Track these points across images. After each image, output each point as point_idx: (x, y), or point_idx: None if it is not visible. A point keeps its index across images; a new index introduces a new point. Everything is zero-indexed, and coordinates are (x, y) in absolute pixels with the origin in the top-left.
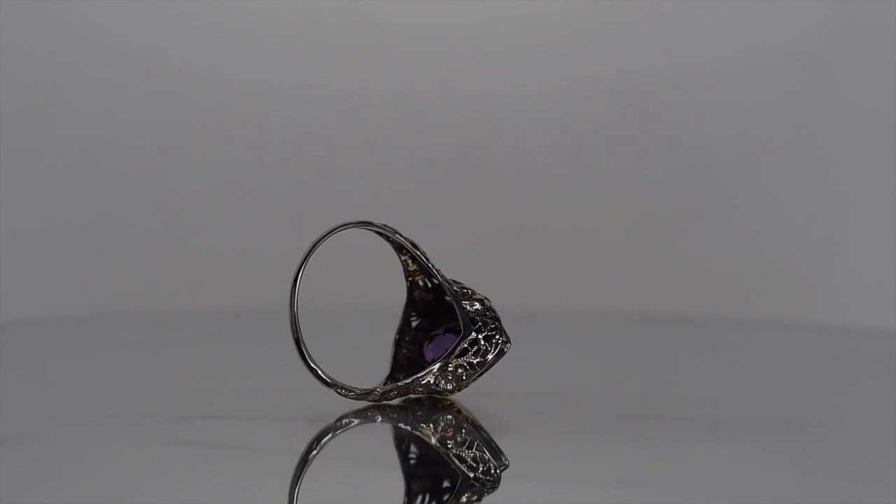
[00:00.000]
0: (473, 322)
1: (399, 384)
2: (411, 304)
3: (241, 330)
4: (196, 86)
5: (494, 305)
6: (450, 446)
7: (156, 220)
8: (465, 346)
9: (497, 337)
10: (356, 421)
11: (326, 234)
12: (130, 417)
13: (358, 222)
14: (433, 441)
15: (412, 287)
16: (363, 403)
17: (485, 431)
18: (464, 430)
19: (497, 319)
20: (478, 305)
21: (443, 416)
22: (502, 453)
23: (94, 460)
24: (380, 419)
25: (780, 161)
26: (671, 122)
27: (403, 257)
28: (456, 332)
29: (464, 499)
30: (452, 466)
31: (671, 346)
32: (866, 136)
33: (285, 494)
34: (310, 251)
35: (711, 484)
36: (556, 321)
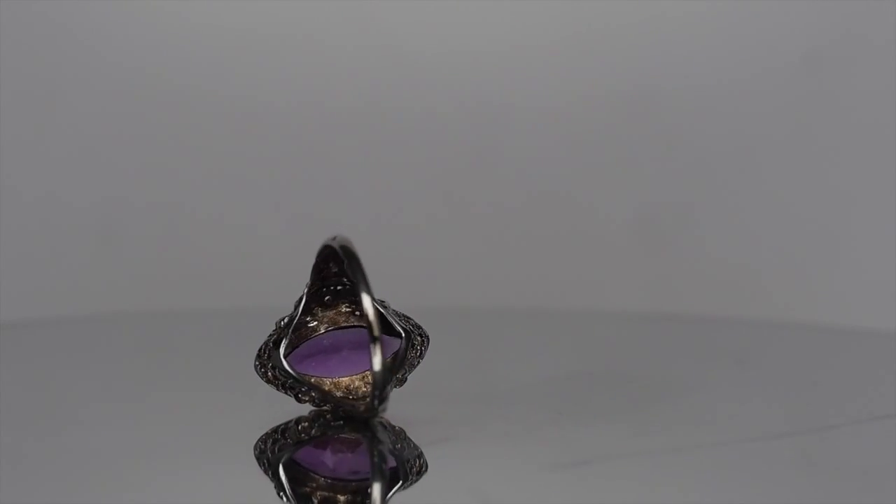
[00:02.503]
0: (404, 329)
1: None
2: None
3: (240, 330)
4: (200, 87)
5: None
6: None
7: (156, 220)
8: (409, 351)
9: (423, 337)
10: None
11: (351, 257)
12: (130, 419)
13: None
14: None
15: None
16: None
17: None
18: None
19: (409, 317)
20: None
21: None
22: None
23: (92, 461)
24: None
25: (779, 160)
26: (670, 121)
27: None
28: (327, 346)
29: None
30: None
31: (670, 345)
32: (866, 135)
33: None
34: (359, 281)
35: (709, 484)
36: (556, 321)
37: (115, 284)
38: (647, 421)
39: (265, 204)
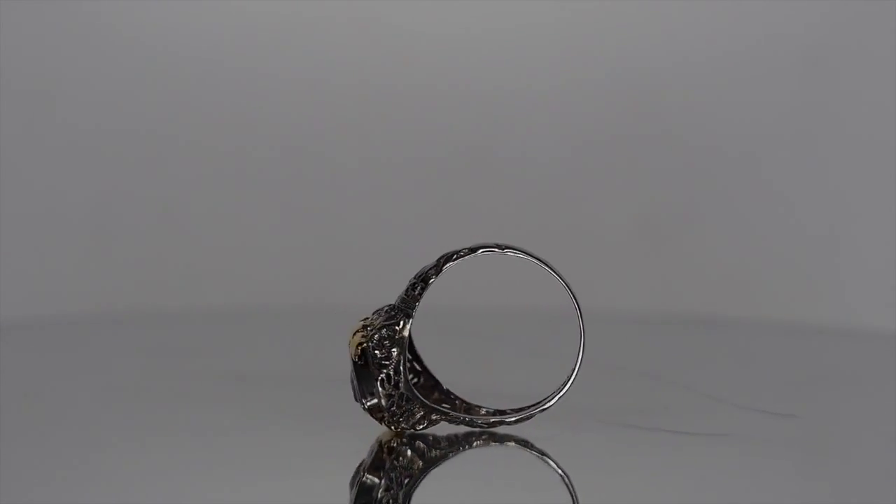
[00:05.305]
0: None
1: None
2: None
3: (241, 330)
4: (194, 80)
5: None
6: None
7: (154, 218)
8: None
9: None
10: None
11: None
12: (130, 420)
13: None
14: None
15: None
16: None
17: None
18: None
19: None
20: None
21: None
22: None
23: (92, 463)
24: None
25: (782, 160)
26: (673, 120)
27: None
28: None
29: None
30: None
31: (671, 346)
32: (869, 135)
33: None
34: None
35: (709, 487)
36: (556, 321)
37: (114, 284)
38: (646, 420)
39: (264, 201)
